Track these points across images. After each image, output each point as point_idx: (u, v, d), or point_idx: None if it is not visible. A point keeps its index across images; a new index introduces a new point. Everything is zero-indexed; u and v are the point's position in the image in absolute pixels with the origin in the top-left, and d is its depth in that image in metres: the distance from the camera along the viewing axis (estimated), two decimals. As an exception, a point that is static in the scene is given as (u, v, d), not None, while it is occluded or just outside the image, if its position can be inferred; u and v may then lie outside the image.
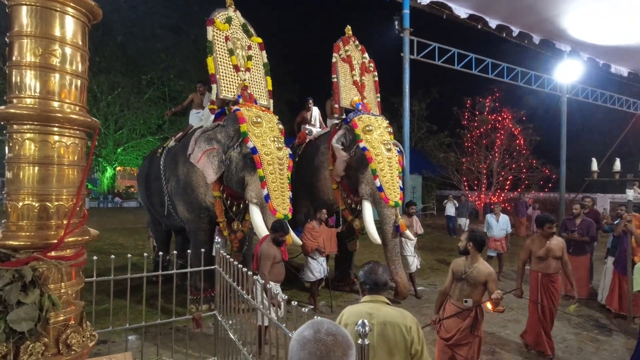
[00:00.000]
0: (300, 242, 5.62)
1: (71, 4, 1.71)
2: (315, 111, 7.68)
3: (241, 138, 5.23)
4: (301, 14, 39.32)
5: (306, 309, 2.18)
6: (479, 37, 9.55)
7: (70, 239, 1.71)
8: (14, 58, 1.66)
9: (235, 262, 3.11)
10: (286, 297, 2.47)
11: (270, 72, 6.24)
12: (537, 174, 18.52)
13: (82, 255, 1.82)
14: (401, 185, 6.13)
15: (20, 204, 1.65)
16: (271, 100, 6.14)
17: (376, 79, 7.28)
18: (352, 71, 6.83)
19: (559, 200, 12.15)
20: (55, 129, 1.70)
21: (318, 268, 5.81)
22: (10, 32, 1.67)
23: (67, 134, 1.74)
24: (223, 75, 5.61)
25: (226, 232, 5.73)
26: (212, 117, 5.80)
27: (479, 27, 8.80)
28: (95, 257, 3.09)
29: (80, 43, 1.79)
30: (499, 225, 7.80)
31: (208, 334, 4.48)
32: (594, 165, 5.90)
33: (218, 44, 5.63)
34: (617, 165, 5.65)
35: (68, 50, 1.73)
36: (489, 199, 18.27)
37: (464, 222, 13.98)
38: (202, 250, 3.85)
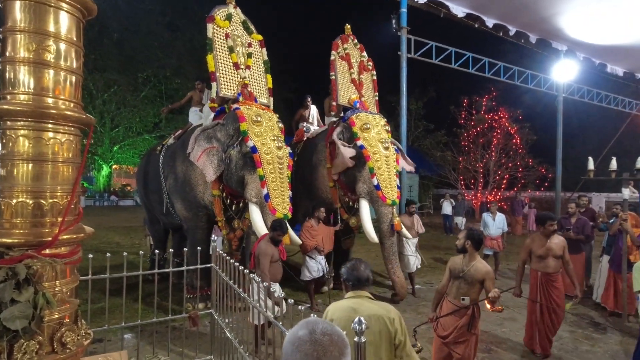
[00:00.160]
0: (300, 242, 5.59)
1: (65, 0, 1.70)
2: (314, 109, 7.67)
3: (241, 137, 5.20)
4: (299, 13, 39.25)
5: (302, 307, 2.18)
6: (476, 36, 9.57)
7: (64, 237, 1.69)
8: (7, 54, 1.65)
9: (232, 261, 3.11)
10: (283, 294, 2.47)
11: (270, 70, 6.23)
12: (533, 173, 18.60)
13: (77, 253, 1.81)
14: (398, 184, 6.13)
15: (14, 201, 1.63)
16: (271, 99, 6.11)
17: (374, 77, 7.27)
18: (351, 69, 6.83)
19: (555, 199, 12.19)
20: (50, 125, 1.68)
21: (316, 267, 5.81)
22: (3, 28, 1.65)
23: (61, 131, 1.72)
24: (223, 73, 5.57)
25: (225, 231, 5.71)
26: (212, 115, 5.77)
27: (476, 26, 8.81)
28: (90, 256, 3.08)
29: (75, 39, 1.77)
30: (495, 224, 7.83)
31: (204, 332, 4.47)
32: (591, 164, 5.91)
33: (218, 41, 5.59)
34: (614, 164, 5.67)
35: (62, 46, 1.71)
36: (486, 197, 18.33)
37: (460, 220, 14.03)
38: (199, 248, 3.84)
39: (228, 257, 3.20)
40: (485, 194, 18.72)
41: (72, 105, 1.76)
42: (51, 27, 1.67)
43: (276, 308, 3.00)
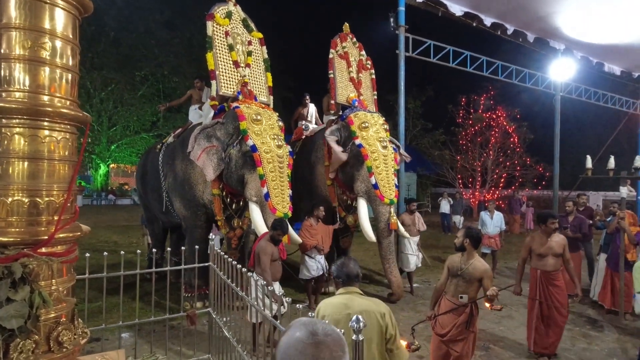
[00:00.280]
0: (300, 240, 5.58)
1: (61, -4, 1.68)
2: (312, 108, 7.66)
3: (241, 136, 5.19)
4: (297, 12, 39.18)
5: (300, 306, 2.18)
6: (474, 35, 9.57)
7: (61, 235, 1.68)
8: (2, 51, 1.63)
9: (230, 259, 3.10)
10: (283, 292, 2.47)
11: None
12: (530, 171, 18.66)
13: (73, 252, 1.80)
14: (396, 183, 6.13)
15: (10, 199, 1.62)
16: (271, 97, 6.09)
17: (373, 76, 7.27)
18: (349, 68, 6.82)
19: (552, 198, 12.22)
20: (46, 123, 1.67)
21: (315, 266, 5.79)
22: (-2, 25, 1.64)
23: (57, 129, 1.71)
24: (223, 71, 5.55)
25: (224, 230, 5.70)
26: (212, 113, 5.75)
27: (474, 24, 8.81)
28: (87, 254, 3.06)
29: (71, 36, 1.76)
30: (493, 222, 7.84)
31: (202, 331, 4.47)
32: (589, 163, 5.90)
33: (218, 39, 5.57)
34: (612, 162, 5.66)
35: (58, 44, 1.69)
36: (484, 196, 18.36)
37: (458, 219, 14.06)
38: (196, 247, 3.83)
39: (226, 256, 3.19)
40: (483, 192, 18.76)
41: (68, 103, 1.75)
42: (47, 24, 1.66)
43: (276, 307, 3.00)
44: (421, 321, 3.87)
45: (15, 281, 1.52)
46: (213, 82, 5.48)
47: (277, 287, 4.40)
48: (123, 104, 23.76)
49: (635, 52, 9.97)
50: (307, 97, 7.57)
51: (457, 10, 8.16)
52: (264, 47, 6.13)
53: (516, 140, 18.47)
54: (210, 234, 4.36)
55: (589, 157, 5.94)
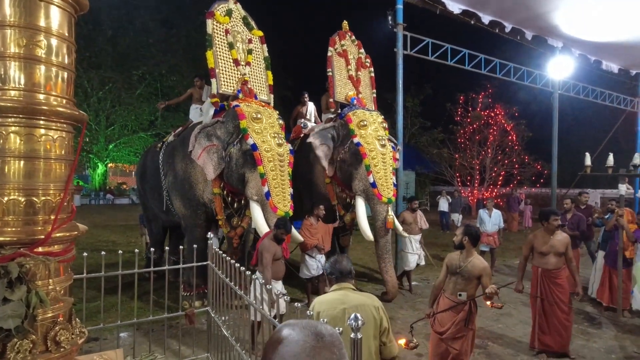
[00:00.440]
0: (301, 239, 5.56)
1: (57, -6, 1.67)
2: (311, 106, 7.64)
3: (241, 134, 5.17)
4: (295, 10, 39.11)
5: (299, 305, 2.18)
6: (472, 33, 9.57)
7: (58, 235, 1.67)
8: (-3, 49, 1.62)
9: (228, 258, 3.09)
10: (285, 292, 2.48)
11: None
12: (529, 169, 18.70)
13: (70, 251, 1.79)
14: (395, 182, 6.12)
15: (6, 198, 1.60)
16: (272, 95, 6.07)
17: (372, 74, 7.25)
18: (348, 66, 6.80)
19: (550, 196, 12.25)
20: (42, 122, 1.66)
21: (315, 265, 5.77)
22: (-7, 23, 1.62)
23: (53, 127, 1.69)
24: (223, 70, 5.52)
25: (226, 230, 5.69)
26: (212, 111, 5.73)
27: (472, 22, 8.79)
28: (85, 254, 3.06)
29: (67, 34, 1.74)
30: (491, 220, 7.86)
31: (201, 330, 4.46)
32: (588, 160, 5.89)
33: (218, 37, 5.54)
34: (611, 160, 5.65)
35: (54, 42, 1.68)
36: (482, 194, 18.40)
37: (457, 217, 14.08)
38: (195, 246, 3.82)
39: (224, 255, 3.18)
40: (482, 190, 18.79)
41: (64, 101, 1.73)
42: (42, 22, 1.64)
43: (280, 306, 3.00)
44: (420, 319, 3.88)
45: (11, 281, 1.51)
46: (213, 81, 5.46)
47: (279, 286, 4.40)
48: (121, 103, 23.66)
49: (633, 50, 9.98)
50: (306, 95, 7.56)
51: (455, 8, 8.14)
52: (265, 45, 6.10)
53: (514, 138, 18.50)
54: (209, 233, 4.34)
55: (588, 155, 5.94)
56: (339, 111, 6.58)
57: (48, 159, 1.68)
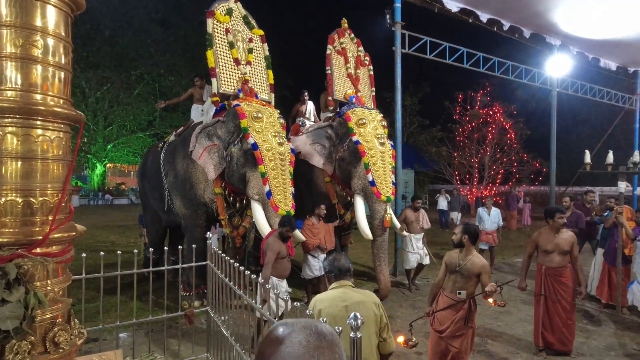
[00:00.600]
0: (303, 238, 5.55)
1: (53, -7, 1.66)
2: (310, 105, 7.63)
3: (242, 134, 5.16)
4: (293, 8, 39.05)
5: (298, 304, 2.18)
6: (470, 31, 9.58)
7: (55, 235, 1.66)
8: (-7, 49, 1.61)
9: (227, 258, 3.09)
10: (291, 290, 2.48)
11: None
12: (527, 167, 18.71)
13: (68, 252, 1.78)
14: (394, 180, 6.12)
15: (3, 199, 1.60)
16: (272, 94, 6.06)
17: (371, 72, 7.24)
18: (347, 64, 6.79)
19: (549, 194, 12.26)
20: (39, 122, 1.65)
21: (317, 265, 5.74)
22: (-11, 22, 1.61)
23: (50, 128, 1.68)
24: (223, 69, 5.51)
25: (228, 230, 5.68)
26: (213, 111, 5.72)
27: (470, 20, 8.79)
28: (84, 255, 3.05)
29: (63, 34, 1.73)
30: (490, 218, 7.87)
31: (201, 330, 4.46)
32: (587, 157, 5.86)
33: (218, 36, 5.52)
34: (610, 157, 5.63)
35: (50, 41, 1.67)
36: (481, 192, 18.41)
37: (456, 215, 14.08)
38: (194, 246, 3.81)
39: (223, 255, 3.18)
40: (481, 188, 18.81)
41: (61, 101, 1.73)
42: (38, 22, 1.64)
43: (280, 306, 2.99)
44: (419, 317, 3.88)
45: (9, 282, 1.51)
46: (213, 80, 5.44)
47: (284, 285, 4.39)
48: (119, 103, 23.61)
49: (631, 47, 9.99)
50: (306, 93, 7.54)
51: (453, 6, 8.14)
52: (265, 44, 6.08)
53: (513, 136, 18.51)
54: (208, 233, 4.34)
55: (587, 152, 5.92)
56: (338, 109, 6.57)
57: (45, 159, 1.67)
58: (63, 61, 1.74)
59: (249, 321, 3.69)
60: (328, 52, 6.56)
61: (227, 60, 5.57)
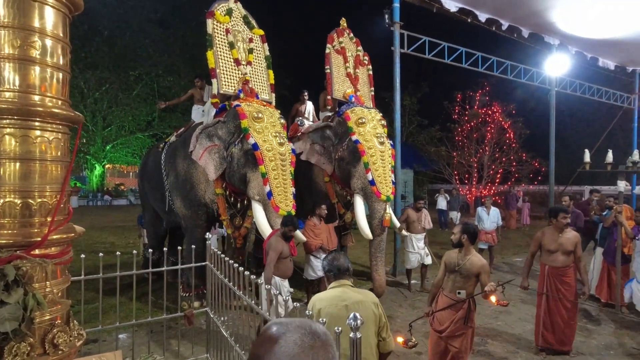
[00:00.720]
0: (304, 239, 5.54)
1: (51, -6, 1.65)
2: (310, 105, 7.62)
3: (242, 134, 5.15)
4: (293, 8, 39.04)
5: (298, 304, 2.18)
6: (469, 31, 9.58)
7: (54, 237, 1.66)
8: (-9, 50, 1.60)
9: (227, 258, 3.09)
10: (292, 290, 2.47)
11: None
12: (526, 167, 18.72)
13: (67, 253, 1.78)
14: (393, 180, 6.11)
15: (1, 201, 1.59)
16: (273, 95, 6.05)
17: (370, 72, 7.24)
18: (346, 63, 6.78)
19: (548, 193, 12.28)
20: (37, 123, 1.65)
21: (320, 266, 5.71)
22: (-13, 24, 1.61)
23: (49, 129, 1.68)
24: (223, 70, 5.49)
25: (230, 230, 5.67)
26: (214, 111, 5.71)
27: (469, 20, 8.80)
28: (83, 256, 3.04)
29: (61, 35, 1.73)
30: (489, 218, 7.87)
31: (200, 331, 4.45)
32: (587, 157, 5.86)
33: (218, 37, 5.51)
34: (610, 156, 5.63)
35: (48, 42, 1.67)
36: (480, 192, 18.42)
37: (455, 215, 14.10)
38: (193, 247, 3.81)
39: (223, 255, 3.18)
40: (480, 188, 18.81)
41: (59, 102, 1.72)
42: (36, 23, 1.63)
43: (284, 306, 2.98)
44: (419, 317, 3.88)
45: (8, 284, 1.50)
46: (214, 81, 5.43)
47: (286, 285, 4.39)
48: (118, 103, 23.57)
49: (629, 47, 10.00)
50: (306, 93, 7.53)
51: (452, 6, 8.15)
52: (266, 44, 6.07)
53: (512, 135, 18.52)
54: (207, 234, 4.34)
55: (587, 151, 5.93)
56: (337, 109, 6.56)
57: (44, 160, 1.67)
58: (61, 62, 1.73)
59: (248, 322, 3.69)
60: (327, 51, 6.55)
61: (228, 61, 5.56)
